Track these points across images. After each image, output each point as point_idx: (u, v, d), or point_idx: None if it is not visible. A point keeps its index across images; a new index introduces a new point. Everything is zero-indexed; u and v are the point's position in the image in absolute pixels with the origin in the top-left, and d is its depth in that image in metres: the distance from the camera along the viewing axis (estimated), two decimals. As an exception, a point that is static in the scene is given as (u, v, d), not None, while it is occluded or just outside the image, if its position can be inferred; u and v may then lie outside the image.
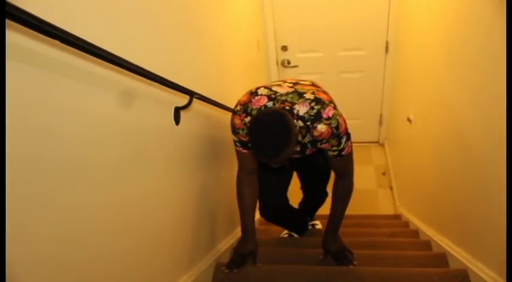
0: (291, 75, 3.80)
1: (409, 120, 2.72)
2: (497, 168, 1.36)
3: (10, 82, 0.72)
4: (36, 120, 0.81)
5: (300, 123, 1.38)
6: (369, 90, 3.95)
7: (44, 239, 0.86)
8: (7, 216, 0.72)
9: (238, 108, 1.48)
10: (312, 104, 1.38)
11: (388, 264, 1.84)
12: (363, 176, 3.79)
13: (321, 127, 1.37)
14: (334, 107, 1.42)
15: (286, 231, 2.45)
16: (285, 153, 1.23)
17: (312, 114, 1.37)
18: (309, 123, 1.38)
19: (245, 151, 1.58)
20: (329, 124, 1.37)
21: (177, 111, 1.48)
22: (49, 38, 0.74)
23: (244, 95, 1.51)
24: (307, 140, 1.43)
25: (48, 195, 0.86)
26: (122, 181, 1.15)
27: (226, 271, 1.66)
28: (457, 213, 1.83)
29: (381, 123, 4.17)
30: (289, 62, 3.88)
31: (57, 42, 0.76)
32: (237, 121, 1.49)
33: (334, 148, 1.45)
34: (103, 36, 0.99)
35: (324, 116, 1.37)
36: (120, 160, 1.13)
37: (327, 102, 1.41)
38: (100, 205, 1.04)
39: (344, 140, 1.43)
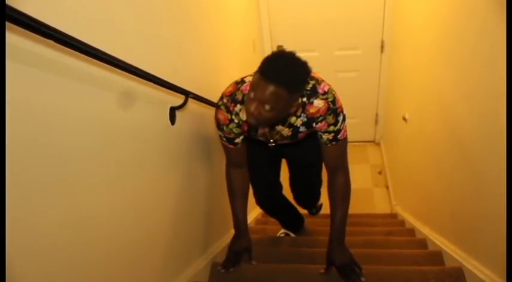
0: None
1: (404, 119, 2.73)
2: (493, 166, 1.36)
3: (8, 83, 0.72)
4: (34, 120, 0.81)
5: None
6: (364, 90, 3.96)
7: (41, 240, 0.86)
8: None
9: (225, 100, 1.41)
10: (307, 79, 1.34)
11: (384, 262, 1.85)
12: (359, 175, 3.80)
13: (318, 103, 1.33)
14: (328, 84, 1.39)
15: (282, 231, 2.46)
16: (285, 88, 1.13)
17: (308, 89, 1.33)
18: (304, 99, 1.33)
19: (231, 146, 1.53)
20: (326, 99, 1.33)
21: (173, 111, 1.47)
22: (45, 39, 0.75)
23: (228, 87, 1.45)
24: (301, 121, 1.39)
25: (45, 195, 0.86)
26: (117, 181, 1.15)
27: (223, 271, 1.66)
28: (453, 211, 1.84)
29: (376, 122, 4.19)
30: (285, 62, 3.87)
31: (52, 42, 0.76)
32: (221, 116, 1.44)
33: (331, 128, 1.38)
34: (99, 36, 0.99)
35: (320, 91, 1.34)
36: (116, 160, 1.13)
37: (320, 80, 1.38)
38: (96, 205, 1.04)
39: (341, 118, 1.38)
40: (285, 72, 1.14)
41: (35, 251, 0.84)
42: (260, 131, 1.49)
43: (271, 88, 1.13)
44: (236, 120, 1.43)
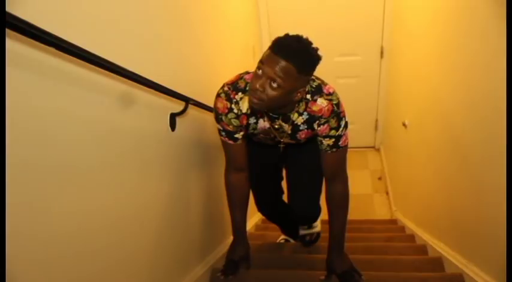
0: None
1: (404, 125, 2.74)
2: (493, 172, 1.37)
3: (8, 88, 0.72)
4: (33, 125, 0.82)
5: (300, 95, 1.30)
6: (364, 95, 3.97)
7: (39, 242, 0.86)
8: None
9: (226, 88, 1.37)
10: (313, 77, 1.34)
11: (384, 268, 1.84)
12: (359, 181, 3.79)
13: (321, 101, 1.32)
14: (333, 88, 1.38)
15: (282, 237, 2.45)
16: (295, 65, 1.14)
17: (314, 86, 1.33)
18: (308, 96, 1.32)
19: (231, 142, 1.46)
20: (330, 100, 1.33)
21: (173, 117, 1.48)
22: (46, 46, 0.75)
23: (230, 78, 1.42)
24: (302, 119, 1.37)
25: (44, 199, 0.86)
26: (117, 186, 1.15)
27: (222, 277, 1.64)
28: (453, 217, 1.84)
29: (376, 128, 4.19)
30: (285, 68, 3.88)
31: (53, 49, 0.77)
32: (220, 105, 1.38)
33: (332, 132, 1.36)
34: (100, 42, 0.99)
35: (325, 91, 1.34)
36: (116, 166, 1.13)
37: (325, 82, 1.38)
38: (95, 210, 1.04)
39: (343, 123, 1.36)
40: (297, 49, 1.16)
41: (33, 253, 0.85)
42: (260, 125, 1.43)
43: (282, 63, 1.14)
44: (235, 110, 1.38)
